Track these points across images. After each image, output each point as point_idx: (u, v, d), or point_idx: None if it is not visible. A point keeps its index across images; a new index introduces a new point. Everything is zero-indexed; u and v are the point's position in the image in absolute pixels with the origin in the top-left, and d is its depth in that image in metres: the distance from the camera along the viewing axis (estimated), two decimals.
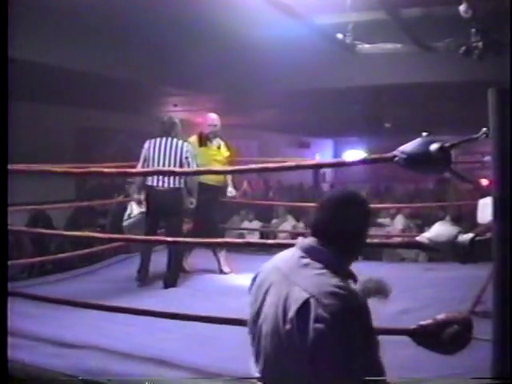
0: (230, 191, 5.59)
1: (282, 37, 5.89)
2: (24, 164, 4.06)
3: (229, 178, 5.59)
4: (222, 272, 5.31)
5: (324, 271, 1.56)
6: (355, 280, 1.64)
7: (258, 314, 1.65)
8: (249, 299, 1.72)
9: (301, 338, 1.49)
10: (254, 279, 1.74)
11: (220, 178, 5.37)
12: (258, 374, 1.65)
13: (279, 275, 1.63)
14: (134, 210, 6.72)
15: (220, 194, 5.53)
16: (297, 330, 1.50)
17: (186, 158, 4.79)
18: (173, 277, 4.81)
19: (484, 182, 6.95)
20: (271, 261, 1.73)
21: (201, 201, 5.09)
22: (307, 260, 1.60)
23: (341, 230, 1.62)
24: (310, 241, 1.65)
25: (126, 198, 6.92)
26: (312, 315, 1.48)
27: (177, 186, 4.81)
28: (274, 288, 1.62)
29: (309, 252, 1.62)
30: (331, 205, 1.67)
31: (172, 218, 4.82)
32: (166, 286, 4.74)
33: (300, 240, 1.69)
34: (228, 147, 5.49)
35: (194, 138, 5.40)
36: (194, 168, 4.80)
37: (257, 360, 1.66)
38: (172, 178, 4.78)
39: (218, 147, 5.41)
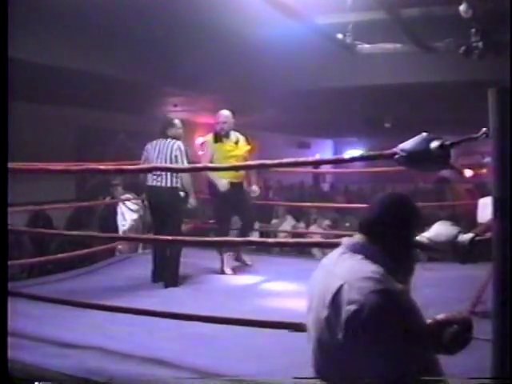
0: (254, 190, 5.47)
1: (282, 37, 5.88)
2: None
3: (252, 175, 5.52)
4: (223, 273, 5.31)
5: (363, 261, 1.59)
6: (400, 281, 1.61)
7: (309, 312, 1.70)
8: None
9: (335, 325, 1.50)
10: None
11: (238, 173, 5.29)
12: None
13: (323, 272, 1.68)
14: (126, 215, 6.80)
15: (242, 190, 5.41)
16: (333, 317, 1.52)
17: (176, 156, 4.84)
18: (172, 276, 4.81)
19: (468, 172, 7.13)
20: (321, 261, 1.76)
21: (221, 199, 5.11)
22: (348, 254, 1.63)
23: (387, 230, 1.64)
24: (354, 238, 1.68)
25: (112, 200, 6.97)
26: (345, 299, 1.50)
27: (169, 185, 4.86)
28: (319, 285, 1.66)
29: (351, 247, 1.65)
30: (381, 205, 1.70)
31: (169, 217, 4.84)
32: (166, 286, 4.75)
33: (345, 239, 1.72)
34: (248, 141, 5.46)
35: (209, 136, 5.44)
36: (184, 164, 4.82)
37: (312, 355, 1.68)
38: (167, 177, 4.85)
39: (236, 142, 5.37)
